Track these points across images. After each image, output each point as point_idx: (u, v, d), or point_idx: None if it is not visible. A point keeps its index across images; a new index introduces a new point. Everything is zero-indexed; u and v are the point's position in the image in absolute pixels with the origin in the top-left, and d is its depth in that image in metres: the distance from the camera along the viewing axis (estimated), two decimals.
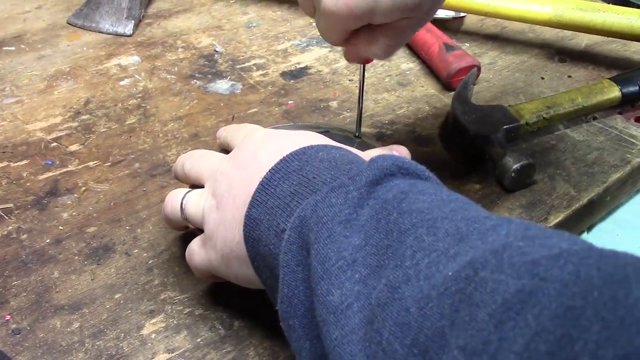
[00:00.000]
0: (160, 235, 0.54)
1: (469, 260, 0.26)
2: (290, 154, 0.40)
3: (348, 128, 0.59)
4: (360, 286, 0.31)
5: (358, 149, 0.46)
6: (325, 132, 0.52)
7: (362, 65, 0.52)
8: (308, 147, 0.41)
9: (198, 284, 0.50)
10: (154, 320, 0.47)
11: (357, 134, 0.55)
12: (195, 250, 0.45)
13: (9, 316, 0.47)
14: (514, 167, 0.57)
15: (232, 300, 0.49)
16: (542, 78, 0.74)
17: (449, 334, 0.25)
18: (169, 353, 0.45)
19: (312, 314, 0.33)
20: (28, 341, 0.45)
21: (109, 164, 0.61)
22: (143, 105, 0.68)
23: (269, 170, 0.40)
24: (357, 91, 0.55)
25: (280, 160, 0.40)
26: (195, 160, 0.48)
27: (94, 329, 0.46)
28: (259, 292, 0.49)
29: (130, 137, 0.64)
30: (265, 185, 0.39)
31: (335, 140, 0.46)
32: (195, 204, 0.45)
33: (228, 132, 0.51)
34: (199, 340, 0.46)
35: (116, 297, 0.49)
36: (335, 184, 0.35)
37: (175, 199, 0.47)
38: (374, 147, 0.52)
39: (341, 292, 0.31)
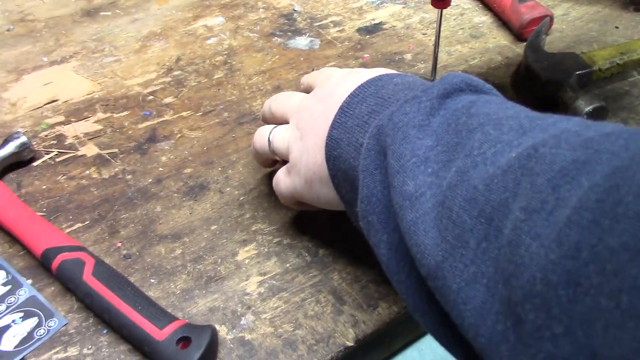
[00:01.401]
0: (250, 175, 0.59)
1: (530, 144, 0.30)
2: (368, 80, 0.44)
3: (423, 76, 0.62)
4: (433, 178, 0.34)
5: None
6: None
7: (439, 11, 0.54)
8: (384, 74, 0.44)
9: (285, 216, 0.54)
10: (247, 248, 0.52)
11: (432, 78, 0.58)
12: (281, 178, 0.50)
13: (120, 244, 0.53)
14: (586, 109, 0.59)
15: (317, 231, 0.53)
16: (617, 27, 0.75)
17: (511, 202, 0.28)
18: (262, 276, 0.50)
19: (389, 210, 0.37)
20: (137, 264, 0.51)
21: (200, 113, 0.66)
22: (229, 61, 0.73)
23: (348, 96, 0.43)
24: (432, 43, 0.58)
25: (359, 87, 0.44)
26: (280, 101, 0.52)
27: (194, 255, 0.52)
28: (341, 225, 0.53)
29: (219, 89, 0.69)
30: (345, 109, 0.43)
31: None
32: (281, 136, 0.50)
33: (310, 76, 0.55)
34: (287, 265, 0.51)
35: (212, 228, 0.54)
36: (409, 96, 0.38)
37: (263, 134, 0.51)
38: None
39: (415, 183, 0.34)
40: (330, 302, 0.48)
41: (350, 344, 0.45)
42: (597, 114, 0.59)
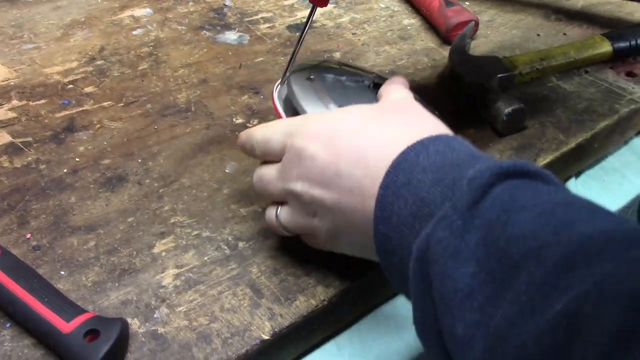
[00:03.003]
0: (171, 167, 0.57)
1: (575, 295, 0.28)
2: (393, 164, 0.41)
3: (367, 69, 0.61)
4: (480, 315, 0.33)
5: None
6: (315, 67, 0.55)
7: (312, 7, 0.53)
8: (408, 150, 0.41)
9: (206, 209, 0.53)
10: (164, 241, 0.51)
11: (286, 74, 0.54)
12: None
13: (29, 235, 0.50)
14: (506, 110, 0.60)
15: (237, 225, 0.52)
16: (538, 35, 0.77)
17: None
18: (178, 269, 0.49)
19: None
20: (47, 256, 0.49)
21: (122, 104, 0.64)
22: (155, 53, 0.71)
23: (380, 187, 0.41)
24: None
25: (387, 174, 0.41)
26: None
27: (108, 247, 0.50)
28: (263, 219, 0.53)
29: (143, 81, 0.67)
30: (383, 203, 0.41)
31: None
32: (292, 220, 0.47)
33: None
34: (205, 258, 0.50)
35: (129, 220, 0.52)
36: (441, 214, 0.36)
37: (270, 217, 0.49)
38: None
39: (464, 325, 0.33)
40: (247, 296, 0.47)
41: (266, 337, 0.45)
42: (516, 116, 0.61)
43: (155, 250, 0.50)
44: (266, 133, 0.48)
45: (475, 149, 0.42)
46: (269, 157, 0.48)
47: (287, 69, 0.54)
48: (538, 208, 0.34)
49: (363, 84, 0.55)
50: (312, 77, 0.53)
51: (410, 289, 0.38)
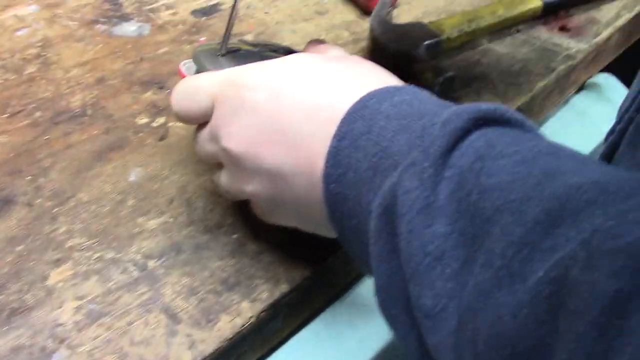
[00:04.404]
0: (66, 182, 0.50)
1: (560, 257, 0.23)
2: (352, 110, 0.35)
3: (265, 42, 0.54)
4: (453, 283, 0.27)
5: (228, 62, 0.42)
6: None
7: None
8: (368, 95, 0.35)
9: (109, 226, 0.46)
10: (60, 269, 0.44)
11: (222, 52, 0.46)
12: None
13: None
14: (436, 80, 0.55)
15: (146, 241, 0.45)
16: None
17: (548, 344, 0.22)
18: (79, 300, 0.42)
19: None
20: None
21: (6, 115, 0.56)
22: (43, 54, 0.63)
23: (334, 137, 0.35)
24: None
25: (342, 122, 0.35)
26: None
27: None
28: (174, 232, 0.46)
29: (30, 86, 0.59)
30: (336, 156, 0.35)
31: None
32: (230, 184, 0.42)
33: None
34: (110, 284, 0.43)
35: (18, 249, 0.45)
36: (409, 161, 0.31)
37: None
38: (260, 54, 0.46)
39: (433, 293, 0.28)
40: (162, 323, 0.41)
41: None
42: (447, 85, 0.55)
43: (50, 281, 0.43)
44: (189, 88, 0.41)
45: (446, 102, 0.36)
46: (195, 116, 0.41)
47: (223, 39, 0.46)
48: (518, 155, 0.29)
49: (280, 54, 0.48)
50: (222, 53, 0.46)
51: (371, 253, 0.32)
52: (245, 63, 0.44)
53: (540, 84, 0.59)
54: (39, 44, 0.64)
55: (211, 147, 0.41)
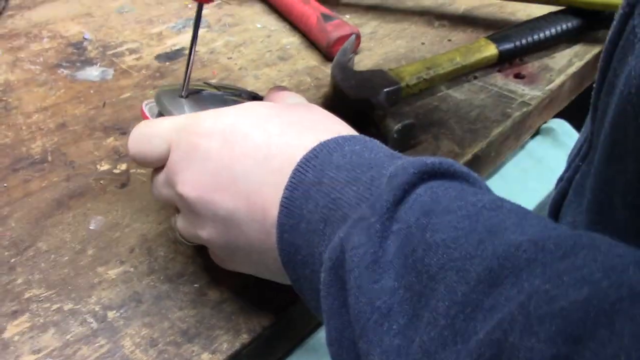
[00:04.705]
0: (24, 231, 0.49)
1: (499, 320, 0.24)
2: (304, 159, 0.36)
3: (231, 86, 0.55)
4: (400, 339, 0.28)
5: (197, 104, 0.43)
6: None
7: (198, 5, 0.45)
8: (318, 148, 0.36)
9: (67, 276, 0.46)
10: (17, 322, 0.43)
11: (183, 94, 0.46)
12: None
13: None
14: (395, 127, 0.56)
15: (105, 290, 0.45)
16: (423, 43, 0.74)
17: None
18: (35, 354, 0.41)
19: None
20: None
21: None
22: (4, 98, 0.63)
23: (286, 187, 0.36)
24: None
25: (295, 172, 0.36)
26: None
27: None
28: (135, 282, 0.46)
29: None
30: (288, 206, 0.35)
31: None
32: (185, 230, 0.42)
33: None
34: (68, 337, 0.42)
35: None
36: (357, 216, 0.31)
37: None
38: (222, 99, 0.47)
39: (381, 350, 0.28)
40: None
41: None
42: (407, 131, 0.57)
43: (6, 334, 0.42)
44: (146, 131, 0.41)
45: (394, 152, 0.37)
46: (150, 160, 0.42)
47: (184, 80, 0.46)
48: (462, 211, 0.29)
49: (242, 98, 0.49)
50: (184, 94, 0.46)
51: (323, 307, 0.32)
52: (205, 106, 0.44)
53: (497, 130, 0.61)
54: (0, 88, 0.64)
55: (167, 191, 0.41)
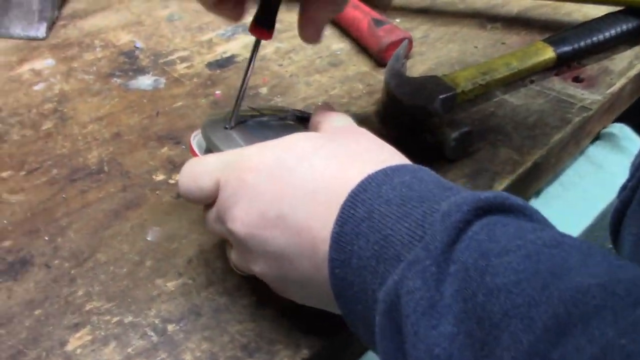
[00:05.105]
0: (83, 242, 0.49)
1: None
2: (352, 195, 0.35)
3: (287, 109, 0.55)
4: None
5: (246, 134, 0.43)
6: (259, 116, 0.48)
7: (255, 40, 0.46)
8: (367, 180, 0.35)
9: (127, 289, 0.46)
10: (78, 334, 0.43)
11: (231, 125, 0.46)
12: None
13: None
14: (452, 135, 0.55)
15: (165, 303, 0.45)
16: (476, 47, 0.72)
17: None
18: None
19: None
20: None
21: (23, 172, 0.56)
22: (60, 108, 0.64)
23: (336, 222, 0.35)
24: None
25: (344, 207, 0.35)
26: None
27: (11, 350, 0.42)
28: (194, 295, 0.46)
29: (47, 142, 0.59)
30: (340, 242, 0.35)
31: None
32: (239, 263, 0.42)
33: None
34: (129, 350, 0.42)
35: (36, 313, 0.44)
36: (411, 258, 0.31)
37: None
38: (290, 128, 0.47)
39: None
40: None
41: None
42: (464, 139, 0.55)
43: (69, 347, 0.42)
44: (194, 170, 0.42)
45: (445, 180, 0.36)
46: (200, 198, 0.42)
47: (232, 112, 0.47)
48: (522, 250, 0.28)
49: (288, 121, 0.48)
50: (228, 126, 0.46)
51: (378, 347, 0.32)
52: (252, 136, 0.45)
53: (557, 136, 0.59)
54: (56, 98, 0.65)
55: (219, 227, 0.42)
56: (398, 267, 0.31)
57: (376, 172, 0.36)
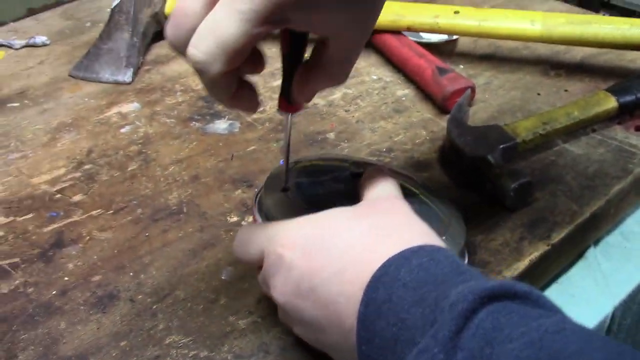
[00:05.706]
0: (164, 279, 0.54)
1: None
2: (373, 278, 0.39)
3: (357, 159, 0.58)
4: None
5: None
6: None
7: (288, 115, 0.48)
8: (388, 263, 0.39)
9: (202, 325, 0.50)
10: None
11: (285, 186, 0.52)
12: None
13: None
14: (512, 186, 0.57)
15: (237, 340, 0.49)
16: (539, 94, 0.74)
17: None
18: None
19: None
20: None
21: (111, 211, 0.61)
22: (144, 150, 0.69)
23: (361, 303, 0.39)
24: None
25: (367, 289, 0.39)
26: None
27: None
28: (265, 330, 0.49)
29: (132, 183, 0.65)
30: (365, 322, 0.38)
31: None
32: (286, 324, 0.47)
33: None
34: None
35: (122, 344, 0.49)
36: (421, 347, 0.34)
37: None
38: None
39: None
40: None
41: None
42: (523, 190, 0.57)
43: None
44: (245, 238, 0.47)
45: (460, 262, 0.39)
46: (249, 262, 0.47)
47: (285, 178, 0.52)
48: (525, 337, 0.31)
49: (342, 180, 0.53)
50: (287, 186, 0.52)
51: None
52: (302, 202, 0.51)
53: (617, 187, 0.60)
54: (140, 141, 0.71)
55: (265, 289, 0.47)
56: (412, 352, 0.34)
57: (397, 255, 0.39)
